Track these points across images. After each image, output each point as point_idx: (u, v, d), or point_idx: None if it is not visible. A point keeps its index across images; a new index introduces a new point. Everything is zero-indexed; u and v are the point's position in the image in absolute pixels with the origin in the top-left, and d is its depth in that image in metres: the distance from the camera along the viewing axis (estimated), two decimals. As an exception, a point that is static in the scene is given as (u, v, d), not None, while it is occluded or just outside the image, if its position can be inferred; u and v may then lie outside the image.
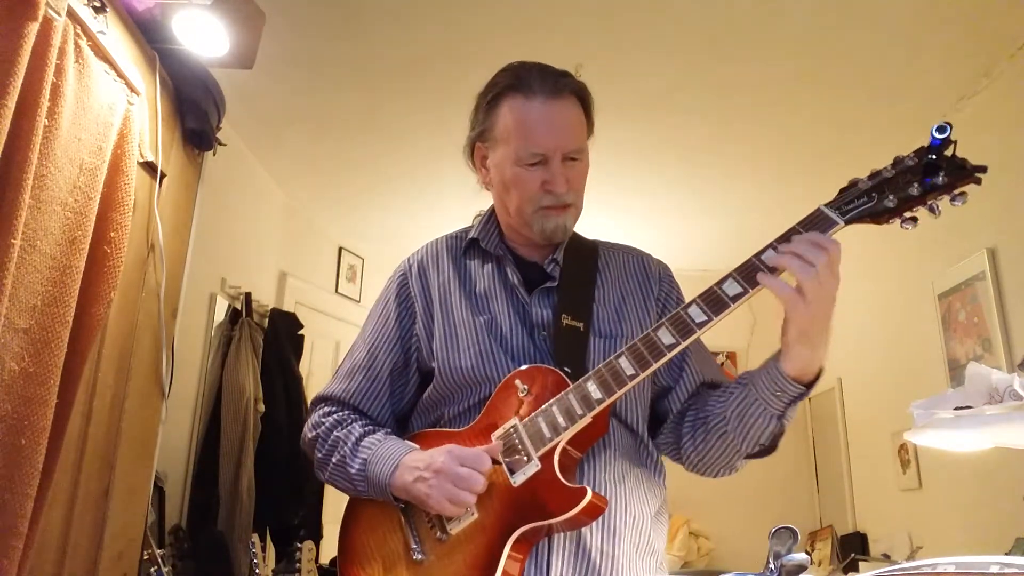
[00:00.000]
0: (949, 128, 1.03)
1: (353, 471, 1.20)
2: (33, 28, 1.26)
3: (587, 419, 1.09)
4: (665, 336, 1.08)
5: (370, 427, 1.27)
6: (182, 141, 2.04)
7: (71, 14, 1.43)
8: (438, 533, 1.15)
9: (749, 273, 1.07)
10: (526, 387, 1.15)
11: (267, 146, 3.44)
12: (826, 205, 1.09)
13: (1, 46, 1.21)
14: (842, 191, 1.10)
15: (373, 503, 1.22)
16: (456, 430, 1.22)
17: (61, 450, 1.42)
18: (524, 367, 1.18)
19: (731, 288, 1.07)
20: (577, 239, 1.35)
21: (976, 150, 1.11)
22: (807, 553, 1.17)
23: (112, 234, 1.57)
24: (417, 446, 1.20)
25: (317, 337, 4.03)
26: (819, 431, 4.38)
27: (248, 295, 3.28)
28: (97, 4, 1.56)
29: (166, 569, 2.04)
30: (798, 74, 2.79)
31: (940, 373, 3.02)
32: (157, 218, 1.87)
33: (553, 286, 1.28)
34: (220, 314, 3.16)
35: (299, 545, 2.58)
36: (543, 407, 1.12)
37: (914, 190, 1.03)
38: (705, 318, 1.07)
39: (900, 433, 2.84)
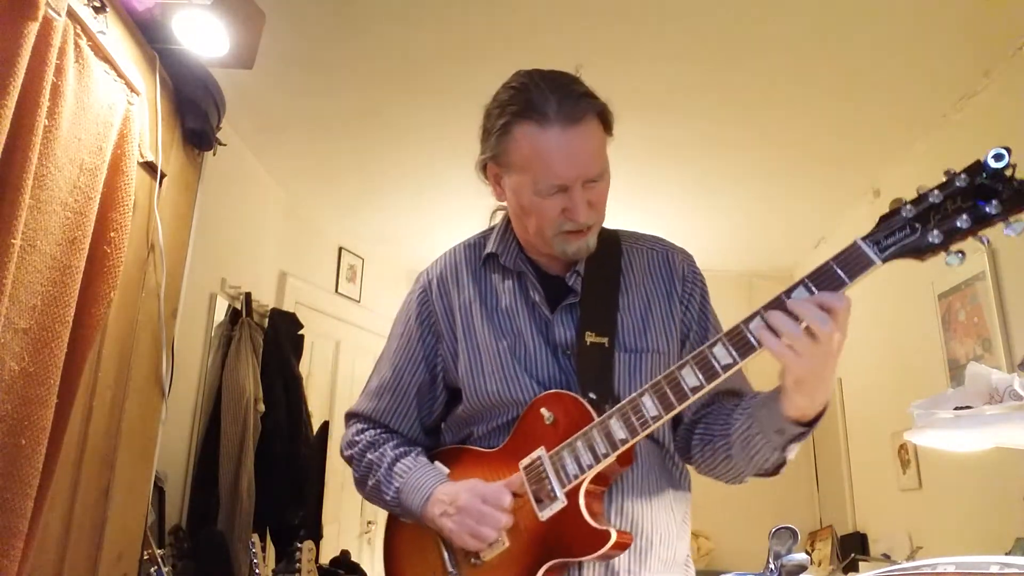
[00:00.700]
0: (1007, 155, 0.90)
1: (388, 498, 1.25)
2: (33, 28, 1.26)
3: (611, 458, 1.10)
4: (690, 377, 1.05)
5: (401, 448, 1.30)
6: (182, 141, 2.04)
7: (71, 14, 1.43)
8: (472, 559, 1.18)
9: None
10: (551, 415, 1.16)
11: (267, 146, 3.44)
12: (864, 239, 0.97)
13: (1, 46, 1.21)
14: (883, 219, 0.98)
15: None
16: (485, 450, 1.24)
17: (61, 450, 1.42)
18: (549, 392, 1.18)
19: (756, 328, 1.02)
20: (600, 235, 1.29)
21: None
22: (807, 553, 1.17)
23: (112, 234, 1.57)
24: (446, 470, 1.24)
25: (317, 337, 4.03)
26: (819, 431, 4.29)
27: (248, 295, 3.28)
28: (97, 4, 1.56)
29: (166, 569, 2.04)
30: (798, 74, 2.79)
31: (940, 373, 3.02)
32: (157, 218, 1.86)
33: (576, 301, 1.25)
34: (220, 314, 3.16)
35: (299, 545, 2.59)
36: (568, 441, 1.12)
37: (962, 222, 0.91)
38: (730, 360, 1.03)
39: (900, 433, 2.84)
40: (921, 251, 0.95)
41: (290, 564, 2.60)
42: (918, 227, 0.95)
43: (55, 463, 1.39)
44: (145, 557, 1.92)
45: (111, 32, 1.62)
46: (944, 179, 0.94)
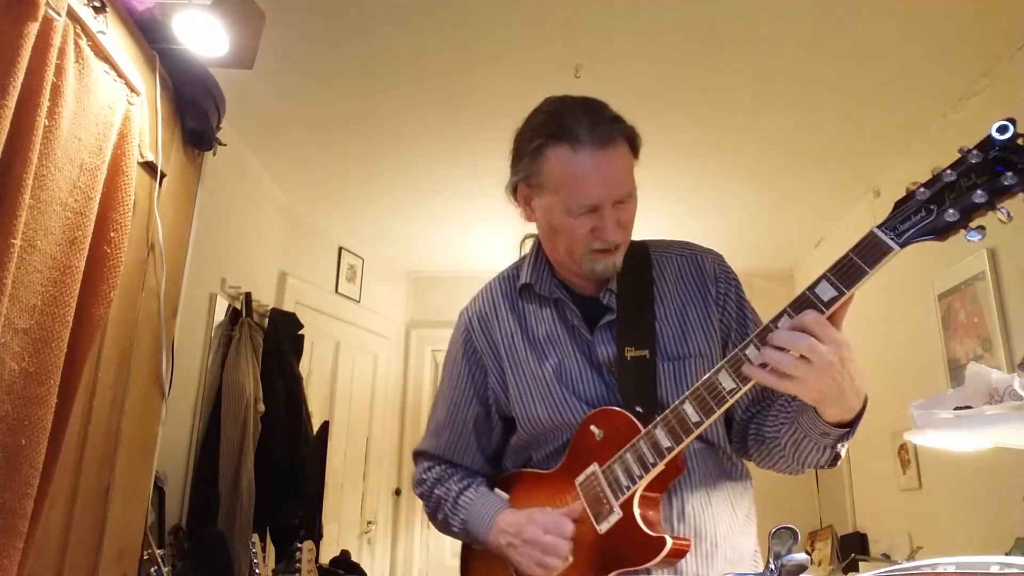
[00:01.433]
0: (1012, 125, 0.88)
1: (456, 529, 1.34)
2: (33, 28, 1.26)
3: (660, 467, 1.12)
4: (726, 381, 1.06)
5: (465, 481, 1.37)
6: (182, 141, 2.04)
7: (71, 14, 1.43)
8: None
9: (804, 308, 1.00)
10: (601, 431, 1.20)
11: (267, 146, 3.44)
12: (879, 227, 0.97)
13: (1, 46, 1.21)
14: (898, 204, 0.97)
15: None
16: (545, 472, 1.29)
17: (61, 450, 1.42)
18: (597, 410, 1.22)
19: (786, 326, 1.01)
20: (628, 249, 1.33)
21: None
22: (807, 553, 1.17)
23: (112, 234, 1.57)
24: (506, 496, 1.31)
25: (317, 337, 4.04)
26: (819, 431, 4.37)
27: (248, 295, 3.28)
28: (97, 4, 1.55)
29: (166, 569, 2.04)
30: (797, 74, 2.79)
31: (940, 373, 3.02)
32: (157, 218, 1.86)
33: (613, 319, 1.28)
34: (220, 314, 3.16)
35: (299, 545, 2.59)
36: (619, 454, 1.16)
37: (978, 197, 0.89)
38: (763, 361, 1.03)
39: (900, 433, 2.84)
40: (939, 231, 0.93)
41: (290, 564, 2.60)
42: (933, 208, 0.93)
43: (55, 463, 1.39)
44: (145, 557, 1.92)
45: (111, 32, 1.62)
46: (958, 156, 0.93)
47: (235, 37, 1.92)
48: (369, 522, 4.48)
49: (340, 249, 4.47)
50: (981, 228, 0.92)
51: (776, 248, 4.40)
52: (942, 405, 1.42)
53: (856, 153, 3.29)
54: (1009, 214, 0.90)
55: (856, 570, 3.30)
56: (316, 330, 3.98)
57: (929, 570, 0.74)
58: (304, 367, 3.59)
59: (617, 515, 1.14)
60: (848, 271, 0.97)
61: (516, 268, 1.42)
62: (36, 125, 1.29)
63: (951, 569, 0.73)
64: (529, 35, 2.59)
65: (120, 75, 1.63)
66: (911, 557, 3.12)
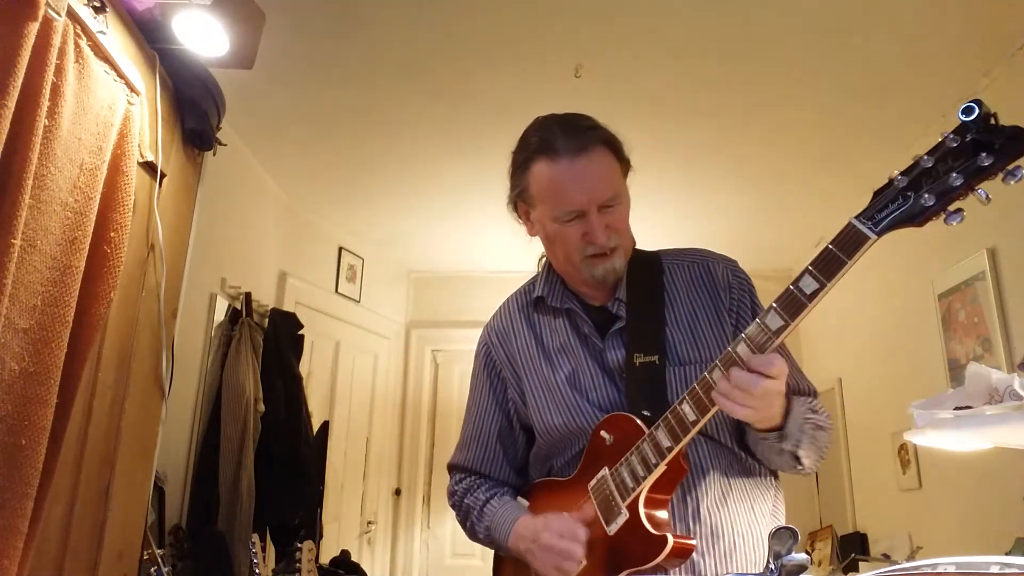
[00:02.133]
0: (978, 106, 0.87)
1: (482, 536, 1.41)
2: (33, 28, 1.26)
3: (662, 467, 1.15)
4: (720, 380, 1.08)
5: (492, 491, 1.43)
6: (182, 141, 2.04)
7: (71, 14, 1.43)
8: None
9: (791, 302, 1.03)
10: (611, 436, 1.24)
11: (267, 146, 3.44)
12: (857, 216, 0.98)
13: (1, 46, 1.21)
14: (876, 194, 0.98)
15: None
16: (564, 479, 1.34)
17: (61, 450, 1.42)
18: (607, 416, 1.26)
19: (773, 322, 1.04)
20: (639, 258, 1.37)
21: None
22: (807, 553, 1.18)
23: (112, 234, 1.57)
24: (526, 504, 1.38)
25: (317, 337, 4.04)
26: (819, 431, 4.37)
27: (248, 295, 3.28)
28: (97, 4, 1.55)
29: (166, 569, 2.04)
30: (798, 74, 2.79)
31: (940, 373, 3.02)
32: (157, 218, 1.86)
33: (622, 326, 1.32)
34: (220, 314, 3.16)
35: (299, 545, 2.59)
36: (626, 457, 1.20)
37: (954, 179, 0.89)
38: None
39: (900, 433, 2.84)
40: (915, 217, 0.93)
41: (290, 564, 2.60)
42: (911, 195, 0.94)
43: (55, 463, 1.39)
44: (145, 557, 1.92)
45: (111, 32, 1.62)
46: (935, 144, 0.93)
47: (235, 37, 1.92)
48: (369, 522, 4.48)
49: (340, 249, 4.47)
50: (960, 212, 0.91)
51: (776, 248, 4.40)
52: (942, 405, 1.42)
53: (856, 153, 3.29)
54: (987, 196, 0.88)
55: (856, 570, 3.30)
56: (316, 330, 3.98)
57: (929, 570, 0.74)
58: (304, 367, 3.60)
59: (624, 516, 1.18)
60: (828, 263, 0.98)
61: (532, 283, 1.47)
62: (36, 125, 1.29)
63: (951, 569, 0.73)
64: (530, 36, 2.59)
65: (120, 75, 1.63)
66: (911, 557, 3.12)
